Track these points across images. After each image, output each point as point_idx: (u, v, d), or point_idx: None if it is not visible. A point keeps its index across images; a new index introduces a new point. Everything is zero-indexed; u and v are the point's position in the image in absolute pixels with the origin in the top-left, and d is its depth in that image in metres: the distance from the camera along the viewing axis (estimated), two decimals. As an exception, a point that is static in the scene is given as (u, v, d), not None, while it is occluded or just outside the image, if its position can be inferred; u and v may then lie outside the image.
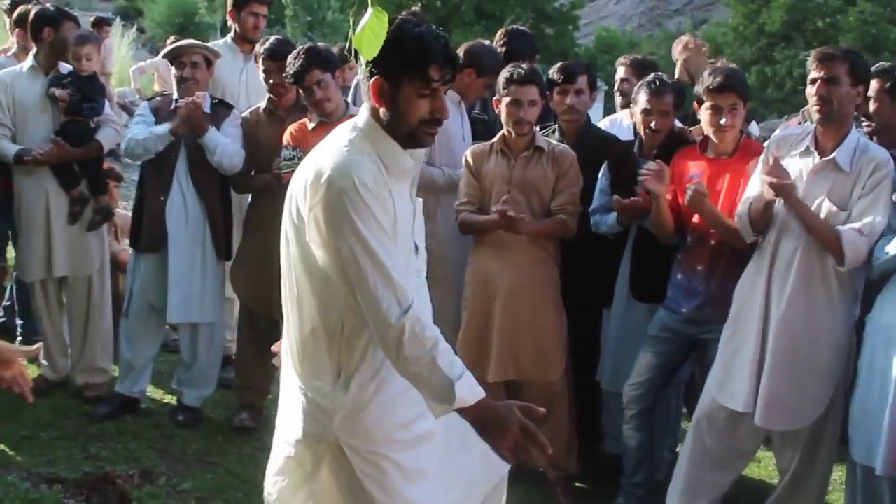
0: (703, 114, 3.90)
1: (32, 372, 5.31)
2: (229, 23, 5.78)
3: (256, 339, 4.83)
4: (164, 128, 4.73)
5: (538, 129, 4.39)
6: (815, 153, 3.62)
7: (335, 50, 5.21)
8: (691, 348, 4.15)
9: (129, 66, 14.31)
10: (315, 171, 2.38)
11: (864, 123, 4.01)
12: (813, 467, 3.82)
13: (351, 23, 2.21)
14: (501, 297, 4.23)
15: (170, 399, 5.20)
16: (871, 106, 3.88)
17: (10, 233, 5.57)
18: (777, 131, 4.17)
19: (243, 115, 4.97)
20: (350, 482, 2.55)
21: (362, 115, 2.49)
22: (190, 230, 4.83)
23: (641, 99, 4.17)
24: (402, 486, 2.54)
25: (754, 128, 5.71)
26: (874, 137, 3.87)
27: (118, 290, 5.53)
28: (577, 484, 4.49)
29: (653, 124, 4.13)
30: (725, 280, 3.88)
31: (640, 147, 4.29)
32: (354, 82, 5.71)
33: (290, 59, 4.45)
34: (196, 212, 4.85)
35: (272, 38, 4.90)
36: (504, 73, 4.26)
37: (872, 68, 4.00)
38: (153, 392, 5.23)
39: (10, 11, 6.07)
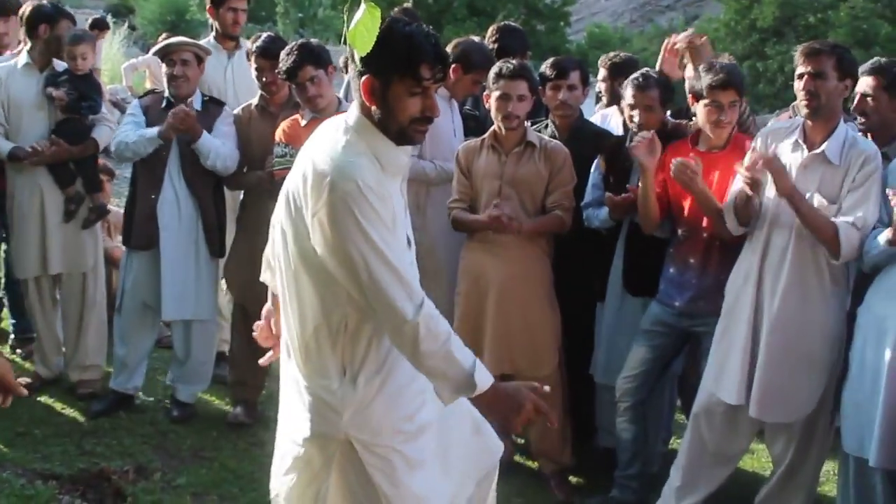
0: (702, 109, 3.90)
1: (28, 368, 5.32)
2: (210, 20, 5.77)
3: (250, 336, 4.80)
4: (153, 131, 4.71)
5: (529, 124, 4.40)
6: (804, 147, 3.64)
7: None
8: (685, 341, 4.18)
9: (120, 63, 14.26)
10: (315, 174, 2.37)
11: (859, 122, 4.02)
12: (807, 458, 3.84)
13: (345, 18, 2.22)
14: (494, 292, 4.24)
15: (164, 395, 5.20)
16: (869, 103, 3.89)
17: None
18: (768, 125, 4.20)
19: (235, 112, 4.97)
20: (359, 477, 2.56)
21: (352, 113, 2.49)
22: (183, 227, 4.83)
23: (627, 94, 4.20)
24: (406, 477, 2.56)
25: None
26: (868, 135, 3.89)
27: (111, 286, 5.53)
28: (571, 477, 4.51)
29: (636, 119, 4.15)
30: (718, 272, 3.90)
31: (632, 142, 4.30)
32: (346, 79, 5.71)
33: (282, 55, 4.45)
34: (189, 209, 4.84)
35: (264, 35, 4.90)
36: (493, 69, 4.27)
37: (868, 64, 4.02)
38: (147, 388, 5.23)
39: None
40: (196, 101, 4.83)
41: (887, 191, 3.42)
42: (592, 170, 4.36)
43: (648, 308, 4.16)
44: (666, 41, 4.62)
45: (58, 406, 4.99)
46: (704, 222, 3.94)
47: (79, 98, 4.87)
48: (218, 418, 4.99)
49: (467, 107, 5.18)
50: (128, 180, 5.19)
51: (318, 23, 30.84)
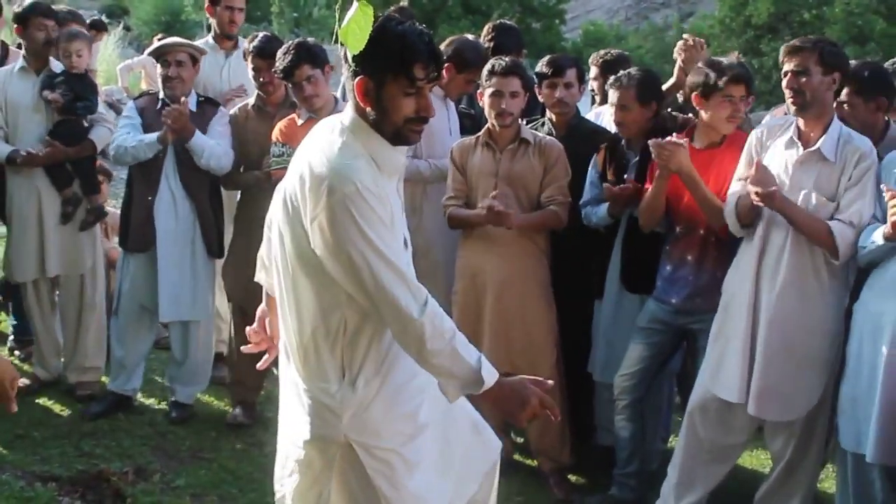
0: (714, 104, 3.87)
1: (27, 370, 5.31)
2: (209, 21, 5.78)
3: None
4: (153, 137, 4.71)
5: (524, 122, 4.40)
6: (799, 144, 3.64)
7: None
8: (682, 339, 4.18)
9: (115, 64, 14.25)
10: (312, 177, 2.36)
11: None
12: (806, 455, 3.84)
13: (337, 17, 2.22)
14: (491, 291, 4.24)
15: (162, 396, 5.20)
16: (846, 110, 3.89)
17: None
18: (763, 121, 4.20)
19: (231, 112, 4.96)
20: (360, 480, 2.55)
21: (347, 114, 2.47)
22: (179, 229, 4.83)
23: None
24: (406, 479, 2.55)
25: None
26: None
27: (109, 288, 5.52)
28: (570, 475, 4.51)
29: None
30: (714, 269, 3.90)
31: (628, 139, 4.31)
32: (343, 78, 5.70)
33: (279, 54, 4.45)
34: (185, 210, 4.84)
35: (261, 35, 4.89)
36: (487, 66, 4.28)
37: None
38: (146, 389, 5.23)
39: None
40: (191, 102, 4.83)
41: (882, 187, 3.43)
42: (590, 167, 4.36)
43: (645, 305, 4.16)
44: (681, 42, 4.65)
45: (56, 408, 5.00)
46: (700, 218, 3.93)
47: (74, 99, 4.87)
48: (217, 419, 4.99)
49: (462, 105, 5.18)
50: (124, 182, 5.18)
51: (313, 22, 30.80)
